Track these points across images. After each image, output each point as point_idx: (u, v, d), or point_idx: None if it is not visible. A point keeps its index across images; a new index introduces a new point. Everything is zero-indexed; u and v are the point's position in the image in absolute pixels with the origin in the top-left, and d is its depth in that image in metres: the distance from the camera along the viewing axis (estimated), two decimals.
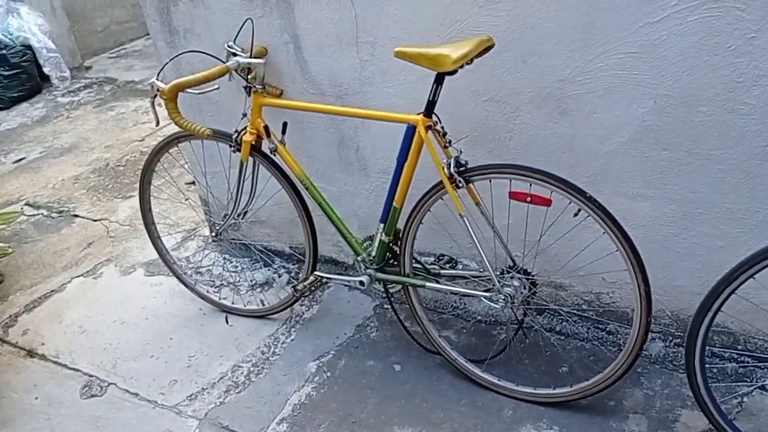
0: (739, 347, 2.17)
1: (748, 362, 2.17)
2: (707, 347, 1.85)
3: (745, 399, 2.10)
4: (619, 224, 1.85)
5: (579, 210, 1.90)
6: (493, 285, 2.07)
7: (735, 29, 1.69)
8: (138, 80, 6.00)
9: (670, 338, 2.30)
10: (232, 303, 2.86)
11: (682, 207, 2.03)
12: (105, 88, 5.96)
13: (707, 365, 1.87)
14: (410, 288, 2.30)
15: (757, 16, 1.66)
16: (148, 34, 2.99)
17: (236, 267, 3.14)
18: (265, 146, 2.37)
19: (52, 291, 3.18)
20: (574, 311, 2.42)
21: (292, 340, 2.65)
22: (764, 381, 2.13)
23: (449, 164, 1.96)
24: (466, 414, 2.21)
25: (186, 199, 3.52)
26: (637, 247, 1.86)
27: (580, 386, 2.12)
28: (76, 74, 6.30)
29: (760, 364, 2.15)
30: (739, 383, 2.15)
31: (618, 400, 2.17)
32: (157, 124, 2.25)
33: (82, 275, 3.26)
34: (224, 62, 2.21)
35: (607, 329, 2.40)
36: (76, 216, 3.83)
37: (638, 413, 2.12)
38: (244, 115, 2.34)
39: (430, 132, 1.98)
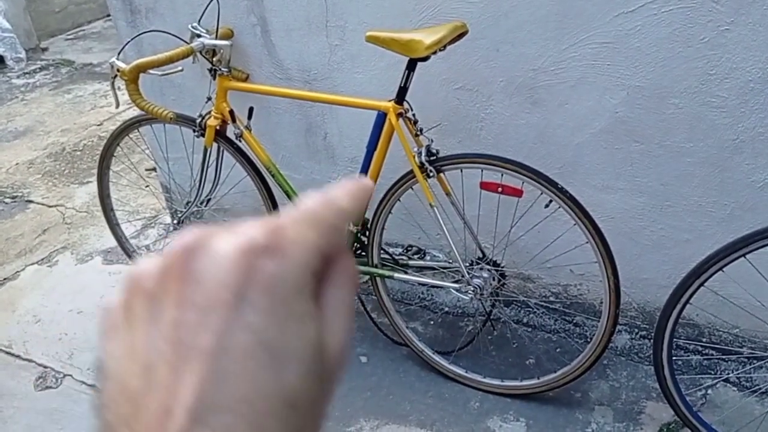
0: (704, 340, 2.19)
1: (712, 355, 2.19)
2: (674, 339, 1.86)
3: (710, 391, 2.12)
4: (590, 216, 1.84)
5: (550, 201, 1.88)
6: (462, 276, 2.05)
7: (709, 21, 1.69)
8: (96, 63, 5.82)
9: (636, 330, 2.31)
10: None
11: (651, 199, 2.03)
12: (62, 70, 5.77)
13: (673, 357, 1.88)
14: (378, 279, 2.26)
15: (730, 9, 1.65)
16: (108, 16, 2.88)
17: None
18: (230, 132, 2.30)
19: (5, 279, 3.06)
20: (542, 303, 2.41)
21: None
22: (728, 373, 2.15)
23: (420, 153, 1.93)
24: (432, 406, 2.19)
25: (146, 186, 3.42)
26: (607, 239, 1.85)
27: (547, 378, 2.12)
28: (32, 56, 6.09)
29: (724, 357, 2.17)
30: (703, 375, 2.17)
31: (584, 392, 2.18)
32: (117, 106, 2.18)
33: (36, 263, 3.15)
34: (188, 43, 2.13)
35: (575, 321, 2.40)
36: (31, 201, 3.70)
37: (604, 405, 2.13)
38: (209, 98, 2.27)
39: (401, 119, 1.94)
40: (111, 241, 2.97)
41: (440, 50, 1.82)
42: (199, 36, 2.17)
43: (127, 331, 0.29)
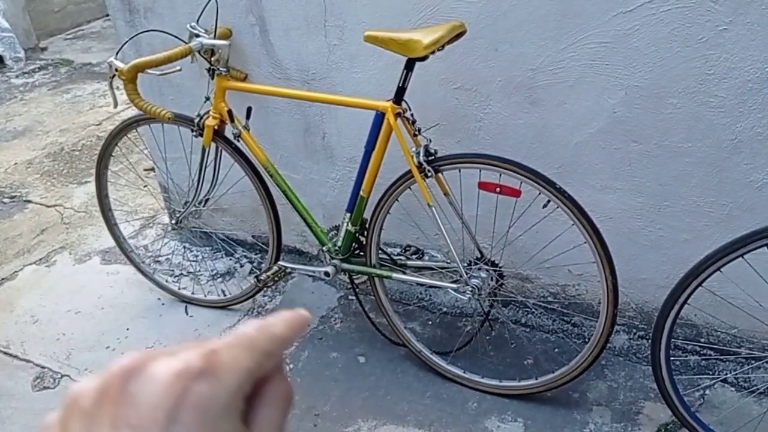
0: (702, 340, 2.19)
1: (710, 355, 2.19)
2: (672, 340, 1.86)
3: (708, 392, 2.12)
4: (588, 216, 1.84)
5: (548, 201, 1.88)
6: (460, 276, 2.05)
7: (707, 21, 1.69)
8: (95, 62, 5.82)
9: (635, 331, 2.31)
10: (192, 293, 2.78)
11: (650, 199, 2.03)
12: (61, 70, 5.76)
13: (671, 358, 1.87)
14: (376, 279, 2.26)
15: (729, 8, 1.65)
16: (107, 16, 2.88)
17: (197, 256, 3.06)
18: (229, 131, 2.30)
19: (3, 279, 3.05)
20: (540, 303, 2.41)
21: None
22: (726, 374, 2.15)
23: (418, 153, 1.93)
24: (430, 406, 2.19)
25: (145, 186, 3.42)
26: (605, 239, 1.85)
27: (545, 378, 2.12)
28: (31, 55, 6.08)
29: (722, 357, 2.17)
30: (701, 376, 2.16)
31: (582, 392, 2.17)
32: (116, 106, 2.17)
33: (34, 263, 3.15)
34: (187, 43, 2.13)
35: (573, 321, 2.40)
36: (29, 201, 3.70)
37: (602, 405, 2.13)
38: (207, 98, 2.26)
39: (399, 119, 1.94)
40: (109, 241, 2.96)
41: (439, 50, 1.82)
42: (197, 36, 2.16)
43: None
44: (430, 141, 1.96)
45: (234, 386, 0.31)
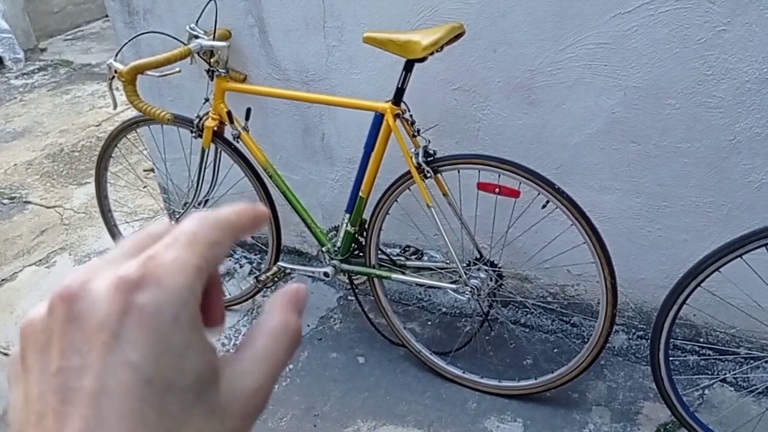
0: (701, 340, 2.19)
1: (709, 355, 2.19)
2: (671, 340, 1.86)
3: (707, 391, 2.12)
4: (587, 216, 1.85)
5: (547, 202, 1.88)
6: (460, 277, 2.05)
7: (705, 22, 1.69)
8: (95, 63, 5.82)
9: (634, 331, 2.31)
10: None
11: (649, 200, 2.03)
12: (60, 71, 5.77)
13: (670, 358, 1.88)
14: (376, 279, 2.26)
15: (727, 9, 1.66)
16: (106, 16, 2.88)
17: None
18: (228, 132, 2.30)
19: (3, 280, 3.06)
20: (539, 303, 2.41)
21: None
22: (725, 373, 2.15)
23: (417, 154, 1.93)
24: (430, 407, 2.19)
25: (144, 187, 3.42)
26: (604, 239, 1.86)
27: (545, 379, 2.12)
28: (31, 56, 6.09)
29: (721, 357, 2.17)
30: (700, 376, 2.17)
31: (581, 393, 2.18)
32: (115, 107, 2.17)
33: (34, 264, 3.15)
34: (186, 44, 2.13)
35: (572, 321, 2.40)
36: (29, 202, 3.70)
37: (601, 405, 2.13)
38: (207, 99, 2.27)
39: (398, 120, 1.94)
40: (109, 242, 2.97)
41: (437, 51, 1.82)
42: (196, 37, 2.17)
43: (23, 382, 0.29)
44: (429, 142, 1.96)
45: (182, 291, 0.28)
